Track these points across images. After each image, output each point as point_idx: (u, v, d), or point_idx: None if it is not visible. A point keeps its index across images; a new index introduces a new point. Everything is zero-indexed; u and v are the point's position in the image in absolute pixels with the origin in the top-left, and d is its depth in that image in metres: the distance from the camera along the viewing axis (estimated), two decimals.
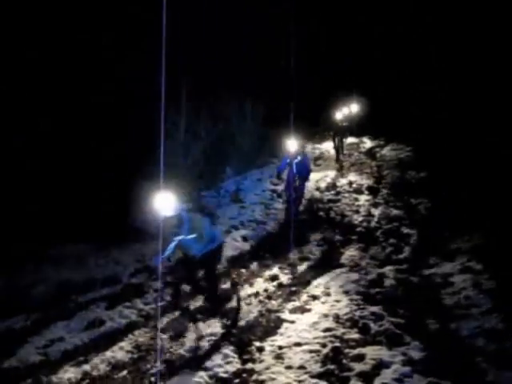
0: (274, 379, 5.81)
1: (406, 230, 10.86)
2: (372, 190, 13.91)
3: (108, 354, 6.50)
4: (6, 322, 7.39)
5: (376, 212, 12.20)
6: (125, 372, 6.13)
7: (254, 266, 9.33)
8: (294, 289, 8.35)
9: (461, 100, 16.26)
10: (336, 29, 22.88)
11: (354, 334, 6.81)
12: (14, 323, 7.33)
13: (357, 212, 12.31)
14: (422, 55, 20.66)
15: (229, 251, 9.75)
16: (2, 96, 10.74)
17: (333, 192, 13.85)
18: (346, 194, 13.60)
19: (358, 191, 13.93)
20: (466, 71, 16.43)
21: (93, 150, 11.95)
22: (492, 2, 15.48)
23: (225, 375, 5.96)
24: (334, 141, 18.36)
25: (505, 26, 14.30)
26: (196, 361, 6.29)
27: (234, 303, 7.85)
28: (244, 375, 5.96)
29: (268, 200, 13.02)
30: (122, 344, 6.74)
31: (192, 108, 13.72)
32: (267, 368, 6.06)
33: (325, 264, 9.38)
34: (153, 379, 5.96)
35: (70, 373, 6.10)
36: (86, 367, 6.20)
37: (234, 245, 10.06)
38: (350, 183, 14.71)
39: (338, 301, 7.88)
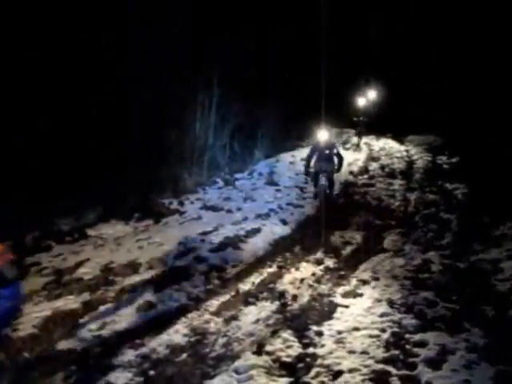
0: (339, 364, 5.69)
1: (445, 216, 10.75)
2: (405, 175, 13.79)
3: (164, 337, 6.38)
4: (55, 303, 7.28)
5: (412, 197, 12.11)
6: (184, 355, 6.02)
7: (297, 249, 9.22)
8: (341, 273, 8.24)
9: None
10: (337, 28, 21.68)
11: (411, 320, 6.68)
12: (63, 305, 7.22)
13: (392, 196, 12.20)
14: (423, 55, 20.10)
15: (270, 235, 9.65)
16: (1, 96, 10.61)
17: (366, 176, 13.74)
18: (380, 179, 13.51)
19: (392, 175, 13.81)
20: (463, 70, 16.21)
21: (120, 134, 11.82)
22: (492, 2, 15.11)
23: (288, 359, 5.84)
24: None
25: (505, 26, 13.96)
26: (256, 345, 6.17)
27: (283, 287, 7.77)
28: (307, 359, 5.84)
29: (303, 184, 12.89)
30: (177, 327, 6.63)
31: (221, 91, 13.56)
32: (330, 353, 5.94)
33: (368, 248, 9.28)
34: (212, 362, 5.86)
35: (129, 356, 5.98)
36: (145, 350, 6.09)
37: (274, 228, 9.96)
38: (383, 167, 14.57)
39: (388, 285, 7.78)
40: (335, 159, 10.94)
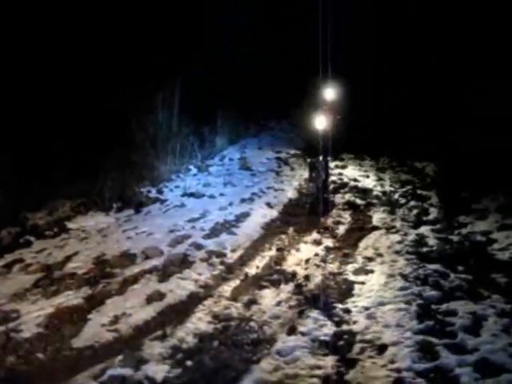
0: (379, 338, 5.58)
1: (424, 193, 10.94)
2: (373, 156, 13.99)
3: (189, 325, 6.03)
4: (54, 300, 6.73)
5: (386, 176, 12.24)
6: (216, 343, 5.70)
7: (291, 231, 9.05)
8: (345, 251, 8.16)
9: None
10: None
11: (431, 291, 6.67)
12: (64, 301, 6.68)
13: (367, 177, 12.29)
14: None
15: (259, 218, 9.43)
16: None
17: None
18: (350, 160, 13.59)
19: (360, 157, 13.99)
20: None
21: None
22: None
23: (326, 338, 5.66)
24: None
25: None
26: (287, 327, 5.95)
27: (291, 268, 7.59)
28: (345, 337, 5.70)
29: (277, 168, 12.74)
30: (198, 315, 6.29)
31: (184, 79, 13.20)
32: (366, 328, 5.83)
33: (360, 227, 9.25)
34: (249, 348, 5.60)
35: (157, 348, 5.59)
36: (173, 341, 5.71)
37: (261, 212, 9.74)
38: None
39: (394, 261, 7.75)
40: None
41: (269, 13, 18.62)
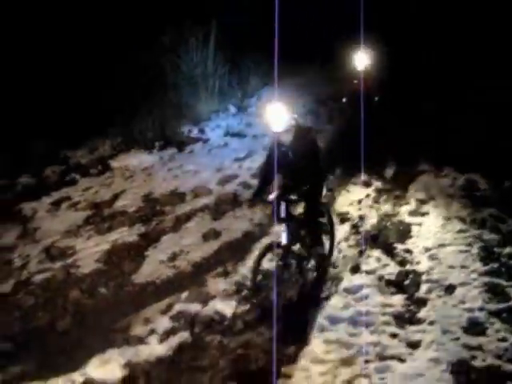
0: (445, 279, 5.49)
1: None
2: None
3: (249, 263, 5.97)
4: (108, 236, 6.72)
5: None
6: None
7: (338, 172, 8.90)
8: (396, 193, 8.00)
9: None
10: None
11: (491, 235, 6.50)
12: (119, 238, 6.67)
13: None
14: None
15: None
16: None
17: None
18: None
19: None
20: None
21: None
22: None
23: (391, 277, 5.61)
24: None
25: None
26: (350, 265, 5.89)
27: (344, 209, 7.47)
28: (411, 276, 5.62)
29: (316, 109, 12.47)
30: (257, 253, 6.21)
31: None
32: (430, 268, 5.73)
33: (408, 169, 9.02)
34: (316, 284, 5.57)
35: (221, 284, 5.60)
36: (236, 278, 5.71)
37: None
38: None
39: (448, 204, 7.56)
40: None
41: (269, 13, 17.77)
